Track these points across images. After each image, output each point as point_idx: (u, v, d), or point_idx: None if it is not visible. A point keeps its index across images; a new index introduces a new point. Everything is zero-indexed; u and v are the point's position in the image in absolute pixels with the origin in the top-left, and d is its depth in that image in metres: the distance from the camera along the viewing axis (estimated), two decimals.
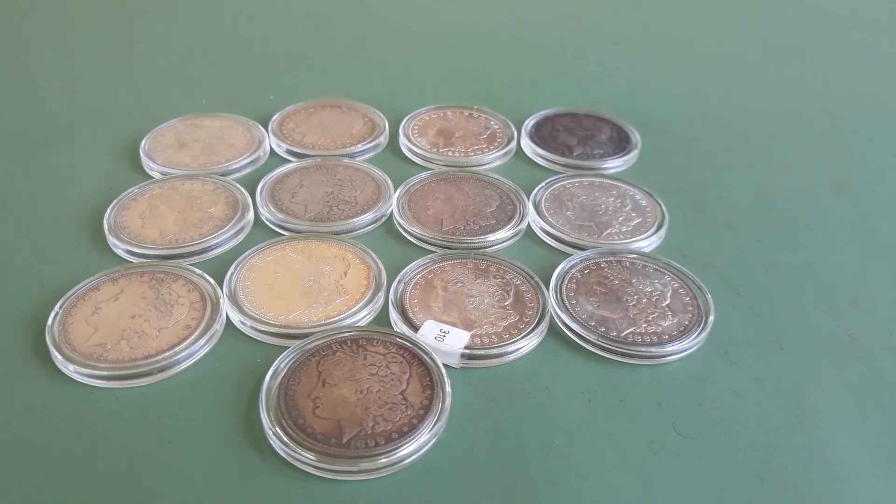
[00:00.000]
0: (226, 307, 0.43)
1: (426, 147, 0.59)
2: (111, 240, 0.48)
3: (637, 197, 0.54)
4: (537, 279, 0.45)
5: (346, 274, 0.45)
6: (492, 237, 0.49)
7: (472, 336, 0.41)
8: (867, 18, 0.94)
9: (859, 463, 0.36)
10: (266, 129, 0.61)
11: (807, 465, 0.36)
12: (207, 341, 0.41)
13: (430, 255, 0.47)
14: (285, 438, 0.35)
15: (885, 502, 0.35)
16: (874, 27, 0.91)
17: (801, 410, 0.39)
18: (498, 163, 0.59)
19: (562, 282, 0.45)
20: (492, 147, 0.60)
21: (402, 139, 0.60)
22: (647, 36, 0.85)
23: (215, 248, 0.48)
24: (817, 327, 0.44)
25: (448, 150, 0.59)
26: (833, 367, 0.42)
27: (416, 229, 0.49)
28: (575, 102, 0.67)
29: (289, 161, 0.58)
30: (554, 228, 0.50)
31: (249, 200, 0.51)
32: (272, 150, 0.59)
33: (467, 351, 0.40)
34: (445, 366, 0.39)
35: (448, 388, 0.38)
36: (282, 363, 0.39)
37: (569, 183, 0.55)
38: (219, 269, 0.45)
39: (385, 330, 0.41)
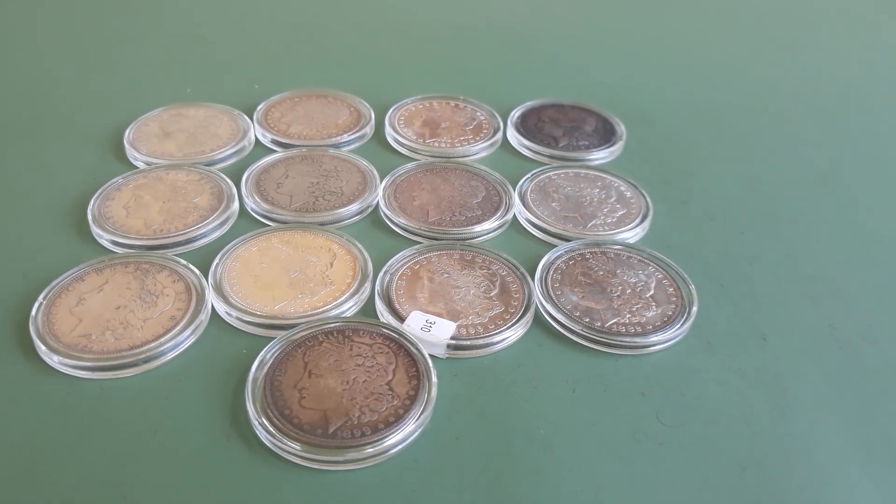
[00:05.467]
0: (211, 298, 0.43)
1: (412, 138, 0.59)
2: (95, 230, 0.47)
3: (622, 188, 0.54)
4: (523, 270, 0.46)
5: (331, 265, 0.45)
6: (478, 228, 0.49)
7: (458, 327, 0.41)
8: (851, 13, 0.94)
9: (840, 451, 0.37)
10: (251, 119, 0.60)
11: (788, 454, 0.37)
12: (193, 332, 0.41)
13: (416, 246, 0.47)
14: (271, 429, 0.35)
15: (864, 490, 0.35)
16: (858, 22, 0.92)
17: (783, 400, 0.39)
18: (484, 154, 0.59)
19: (547, 273, 0.46)
20: (478, 138, 0.60)
21: (388, 129, 0.60)
22: (632, 28, 0.86)
23: (200, 238, 0.48)
24: (799, 318, 0.45)
25: (434, 141, 0.59)
26: (814, 357, 0.42)
27: (402, 220, 0.49)
28: (561, 94, 0.67)
29: (274, 151, 0.57)
30: (539, 219, 0.50)
31: (234, 191, 0.51)
32: (257, 140, 0.59)
33: (453, 341, 0.40)
34: (431, 356, 0.40)
35: (434, 379, 0.38)
36: (268, 354, 0.39)
37: (554, 174, 0.55)
38: (204, 260, 0.45)
39: (371, 321, 0.41)
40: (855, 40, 0.87)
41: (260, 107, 0.62)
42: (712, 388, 0.40)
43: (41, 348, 0.39)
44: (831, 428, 0.38)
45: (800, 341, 0.43)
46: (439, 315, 0.42)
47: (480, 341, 0.41)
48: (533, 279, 0.45)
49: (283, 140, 0.58)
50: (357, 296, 0.43)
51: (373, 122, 0.61)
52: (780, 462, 0.36)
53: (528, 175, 0.55)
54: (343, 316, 0.42)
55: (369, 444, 0.35)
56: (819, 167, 0.60)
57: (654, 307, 0.44)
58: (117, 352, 0.39)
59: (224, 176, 0.53)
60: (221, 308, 0.42)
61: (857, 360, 0.42)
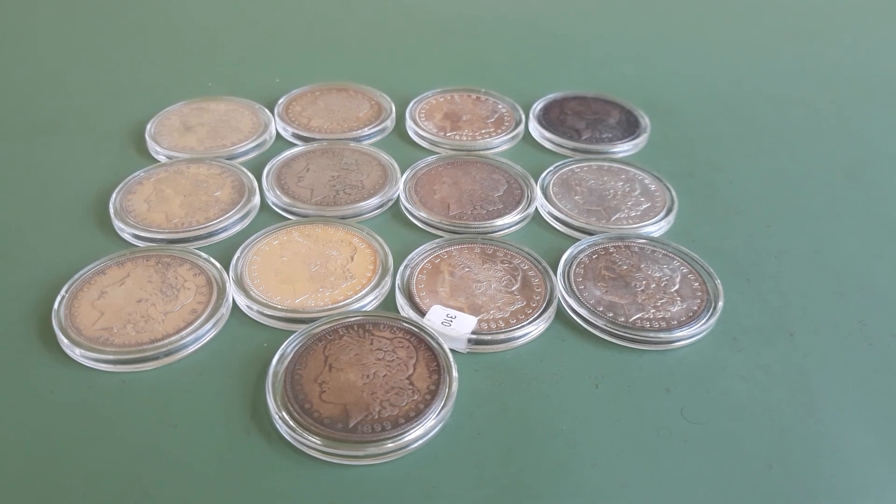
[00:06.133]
0: (232, 291, 0.43)
1: (433, 131, 0.59)
2: (117, 224, 0.48)
3: (646, 181, 0.53)
4: (545, 264, 0.45)
5: (352, 258, 0.45)
6: (499, 222, 0.49)
7: (479, 321, 0.41)
8: (879, 3, 0.92)
9: (868, 450, 0.36)
10: (272, 113, 0.60)
11: (815, 452, 0.36)
12: (214, 325, 0.41)
13: (436, 240, 0.47)
14: (291, 423, 0.35)
15: (893, 489, 0.35)
16: (887, 10, 0.90)
17: (810, 397, 0.39)
18: (506, 147, 0.59)
19: (570, 267, 0.45)
20: (499, 131, 0.59)
21: (409, 123, 0.60)
22: (656, 19, 0.85)
23: (221, 232, 0.48)
24: (827, 314, 0.44)
25: (455, 134, 0.58)
26: (843, 354, 0.42)
27: (422, 214, 0.49)
28: (583, 86, 0.66)
29: (295, 145, 0.57)
30: (562, 213, 0.50)
31: (255, 184, 0.51)
32: (278, 134, 0.59)
33: (474, 336, 0.40)
34: (452, 351, 0.39)
35: (455, 373, 0.38)
36: (288, 347, 0.39)
37: (577, 167, 0.55)
38: (225, 254, 0.45)
39: (392, 315, 0.41)
40: (883, 29, 0.85)
41: (281, 100, 0.62)
42: (738, 385, 0.39)
43: (63, 341, 0.39)
44: (860, 426, 0.37)
45: (828, 337, 0.43)
46: (460, 309, 0.42)
47: (502, 336, 0.41)
48: (555, 273, 0.44)
49: (304, 134, 0.58)
50: (378, 290, 0.43)
51: (393, 115, 0.61)
52: (806, 460, 0.36)
53: (551, 168, 0.54)
54: (363, 310, 0.42)
55: (389, 438, 0.34)
56: (847, 160, 0.59)
57: (678, 302, 0.43)
58: (138, 345, 0.39)
59: (245, 170, 0.53)
60: (242, 302, 0.42)
61: (886, 356, 0.42)
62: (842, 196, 0.55)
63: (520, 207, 0.50)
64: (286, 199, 0.50)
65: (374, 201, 0.50)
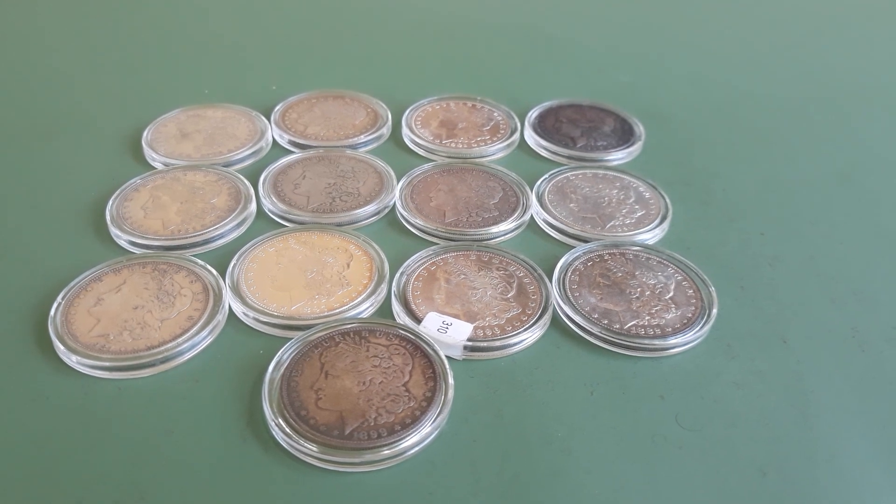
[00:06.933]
0: (228, 298, 0.43)
1: (429, 138, 0.59)
2: (113, 230, 0.48)
3: (641, 189, 0.54)
4: (540, 271, 0.45)
5: (348, 265, 0.45)
6: (495, 229, 0.49)
7: (475, 328, 0.41)
8: (873, 8, 0.93)
9: (863, 456, 0.36)
10: (268, 120, 0.60)
11: (810, 459, 0.36)
12: (210, 332, 0.41)
13: (432, 247, 0.47)
14: (288, 430, 0.35)
15: (888, 495, 0.35)
16: (880, 17, 0.91)
17: (805, 404, 0.39)
18: (501, 154, 0.59)
19: (565, 274, 0.45)
20: (495, 138, 0.59)
21: (405, 130, 0.60)
22: (651, 26, 0.85)
23: (218, 239, 0.48)
24: (821, 320, 0.44)
25: (451, 142, 0.59)
26: (836, 360, 0.42)
27: (418, 221, 0.49)
28: (579, 94, 0.67)
29: (291, 152, 0.57)
30: (557, 220, 0.50)
31: (252, 191, 0.51)
32: (275, 141, 0.59)
33: (470, 343, 0.40)
34: (448, 358, 0.39)
35: (451, 380, 0.38)
36: (284, 354, 0.39)
37: (572, 175, 0.55)
38: (221, 261, 0.45)
39: (388, 322, 0.41)
40: (879, 35, 0.85)
41: (277, 108, 0.62)
42: (732, 392, 0.39)
43: (60, 348, 0.39)
44: (854, 432, 0.38)
45: (821, 344, 0.43)
46: (456, 316, 0.42)
47: (497, 343, 0.41)
48: (550, 281, 0.45)
49: (301, 141, 0.58)
50: (374, 297, 0.43)
51: (390, 122, 0.61)
52: (801, 467, 0.36)
53: (546, 176, 0.54)
54: (360, 317, 0.42)
55: (385, 445, 0.34)
56: (842, 166, 0.59)
57: (673, 309, 0.43)
58: (135, 352, 0.39)
59: (241, 177, 0.53)
60: (238, 308, 0.42)
61: (879, 363, 0.42)
62: (836, 202, 0.55)
63: (515, 215, 0.50)
64: (282, 207, 0.50)
65: (370, 208, 0.50)
